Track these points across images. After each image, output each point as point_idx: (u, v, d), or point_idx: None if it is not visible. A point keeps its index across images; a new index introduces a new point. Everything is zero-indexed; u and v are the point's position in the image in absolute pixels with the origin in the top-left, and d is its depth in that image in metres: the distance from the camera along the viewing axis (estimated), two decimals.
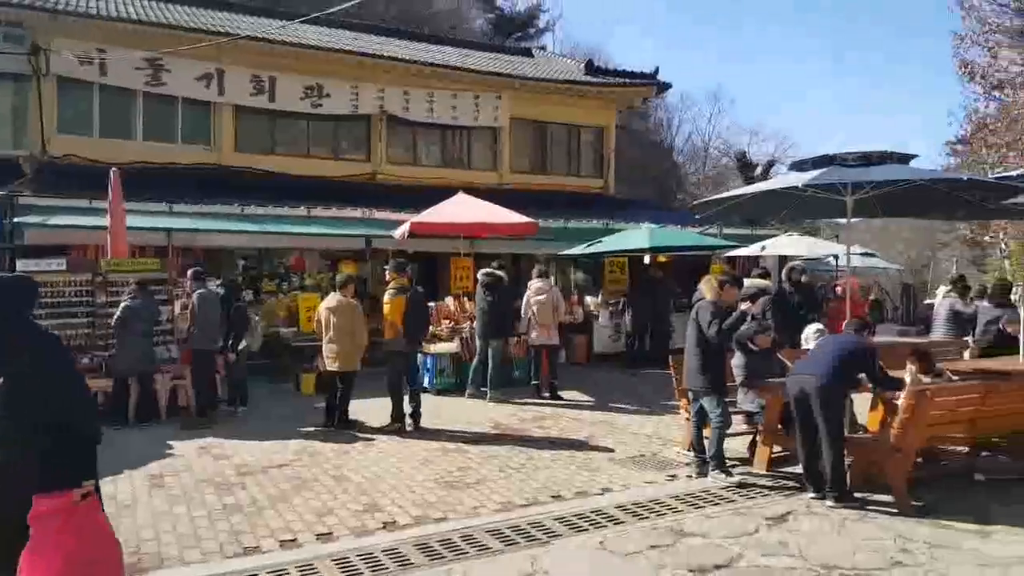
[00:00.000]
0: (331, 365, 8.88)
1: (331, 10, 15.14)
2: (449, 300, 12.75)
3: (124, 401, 9.19)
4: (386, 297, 9.11)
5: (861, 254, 20.60)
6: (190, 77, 15.43)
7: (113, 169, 10.76)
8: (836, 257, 17.61)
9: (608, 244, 14.58)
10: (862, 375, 6.24)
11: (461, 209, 12.14)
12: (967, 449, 7.03)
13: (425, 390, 10.71)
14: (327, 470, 7.06)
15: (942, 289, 11.90)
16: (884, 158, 7.41)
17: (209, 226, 12.77)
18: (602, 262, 16.67)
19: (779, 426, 6.89)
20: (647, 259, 15.13)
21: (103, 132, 15.09)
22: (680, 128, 40.89)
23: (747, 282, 8.81)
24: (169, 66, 15.10)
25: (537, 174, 19.78)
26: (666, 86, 21.81)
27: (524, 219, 12.37)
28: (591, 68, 21.05)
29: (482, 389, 10.73)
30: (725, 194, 8.83)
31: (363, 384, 9.29)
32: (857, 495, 6.04)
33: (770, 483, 6.61)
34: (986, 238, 21.51)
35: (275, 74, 16.17)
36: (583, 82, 20.09)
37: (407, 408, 8.86)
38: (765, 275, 9.97)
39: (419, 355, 10.53)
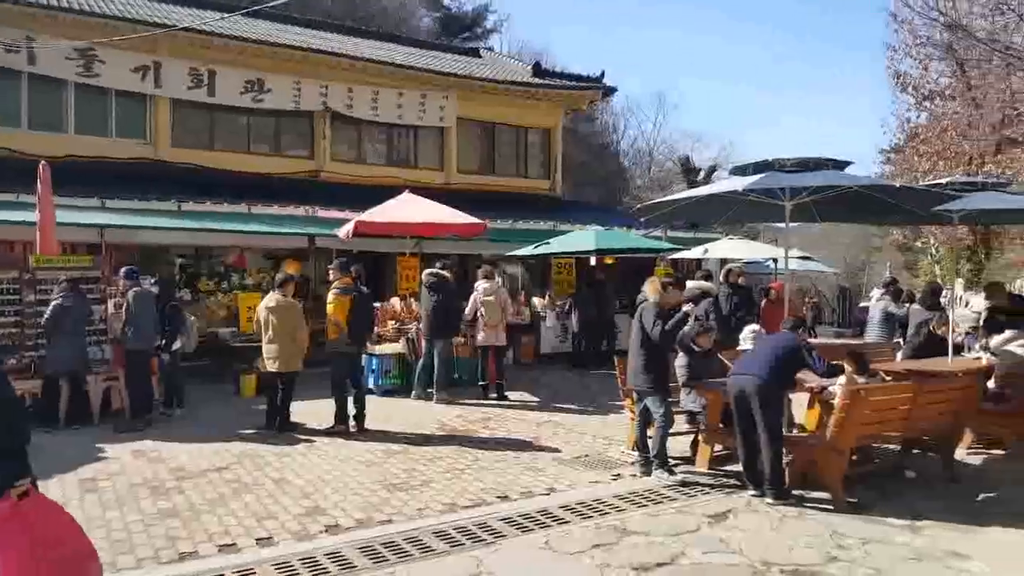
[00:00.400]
0: (271, 366, 8.75)
1: (273, 2, 14.92)
2: (395, 300, 12.67)
3: (55, 403, 8.89)
4: (330, 296, 8.99)
5: (799, 258, 21.13)
6: (125, 69, 15.01)
7: (42, 163, 10.39)
8: (775, 261, 18.03)
9: (555, 245, 14.70)
10: (801, 375, 6.41)
11: (407, 208, 12.07)
12: (899, 447, 7.27)
13: (370, 391, 10.62)
14: (268, 473, 6.95)
15: (876, 292, 12.31)
16: (821, 164, 7.63)
17: (144, 223, 12.41)
18: (549, 263, 16.79)
19: (720, 425, 7.03)
20: (593, 261, 15.28)
21: (32, 124, 14.56)
22: (626, 132, 41.41)
23: (690, 284, 8.99)
24: (103, 57, 14.65)
25: (484, 174, 19.80)
26: (611, 90, 22.06)
27: (471, 219, 12.37)
28: (538, 70, 21.17)
29: (428, 390, 10.69)
30: (669, 197, 8.98)
31: (306, 385, 9.17)
32: (795, 492, 6.20)
33: (712, 481, 6.74)
34: (918, 243, 22.30)
35: (214, 67, 15.83)
36: (530, 84, 20.18)
37: (351, 409, 8.77)
38: (708, 277, 10.17)
39: (364, 356, 10.46)
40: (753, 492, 6.24)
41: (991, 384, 7.96)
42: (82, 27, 14.46)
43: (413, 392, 10.84)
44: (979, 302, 12.94)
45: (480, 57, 23.13)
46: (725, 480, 6.75)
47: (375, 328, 11.02)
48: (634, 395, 7.19)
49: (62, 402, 8.95)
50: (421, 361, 10.93)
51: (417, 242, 13.11)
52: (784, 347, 6.38)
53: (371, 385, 11.04)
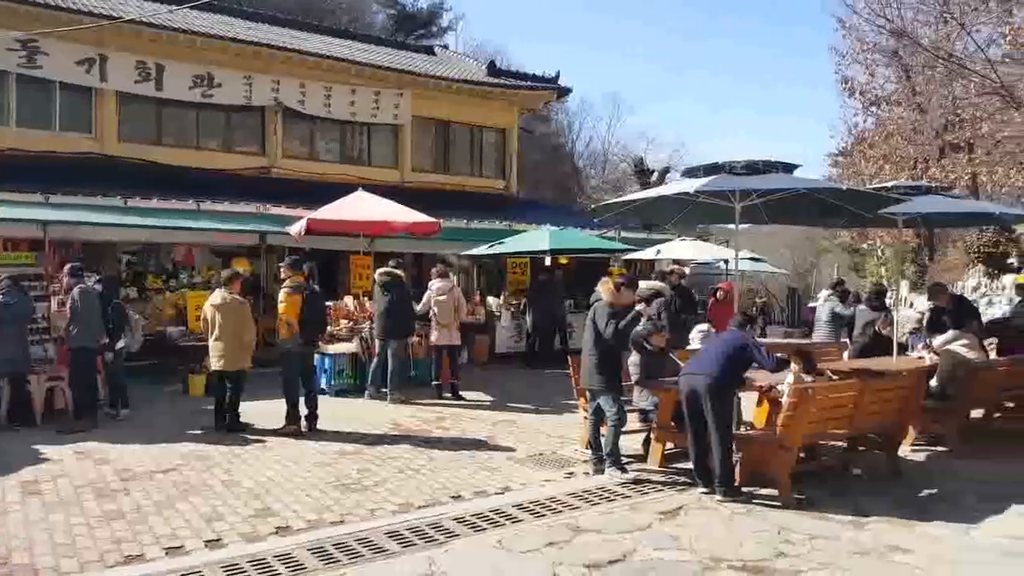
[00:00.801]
0: (216, 364, 8.62)
1: None
2: (348, 299, 12.57)
3: None
4: (281, 295, 8.87)
5: (749, 259, 21.53)
6: (70, 61, 14.59)
7: None
8: (726, 262, 18.33)
9: (510, 245, 14.73)
10: (750, 373, 6.52)
11: (360, 207, 11.98)
12: (845, 445, 7.45)
13: (323, 391, 10.54)
14: (217, 474, 6.84)
15: (823, 293, 12.59)
16: (770, 167, 7.78)
17: (89, 218, 12.09)
18: (504, 263, 16.83)
19: (672, 423, 7.13)
20: (548, 260, 15.35)
21: None
22: (581, 133, 41.65)
23: (643, 284, 9.08)
24: (46, 48, 14.22)
25: (439, 173, 19.75)
26: (566, 91, 22.18)
27: (426, 218, 12.33)
28: (493, 69, 21.19)
29: (382, 390, 10.63)
30: (622, 198, 9.08)
31: (258, 386, 9.06)
32: (745, 489, 6.33)
33: (663, 479, 6.84)
34: (864, 245, 22.88)
35: (163, 61, 15.51)
36: (485, 83, 20.19)
37: (303, 410, 8.68)
38: (663, 278, 10.26)
39: (316, 355, 10.36)
40: (704, 489, 6.34)
41: (933, 383, 8.21)
42: (24, 17, 14.02)
43: (367, 392, 10.77)
44: (923, 303, 13.38)
45: (435, 55, 23.06)
46: (676, 478, 6.84)
47: (328, 327, 10.90)
48: (587, 394, 7.25)
49: (3, 403, 8.71)
50: (375, 361, 10.86)
51: (370, 241, 13.03)
52: (733, 346, 6.49)
53: (324, 385, 10.93)
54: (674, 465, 7.16)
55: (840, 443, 7.49)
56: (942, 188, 10.77)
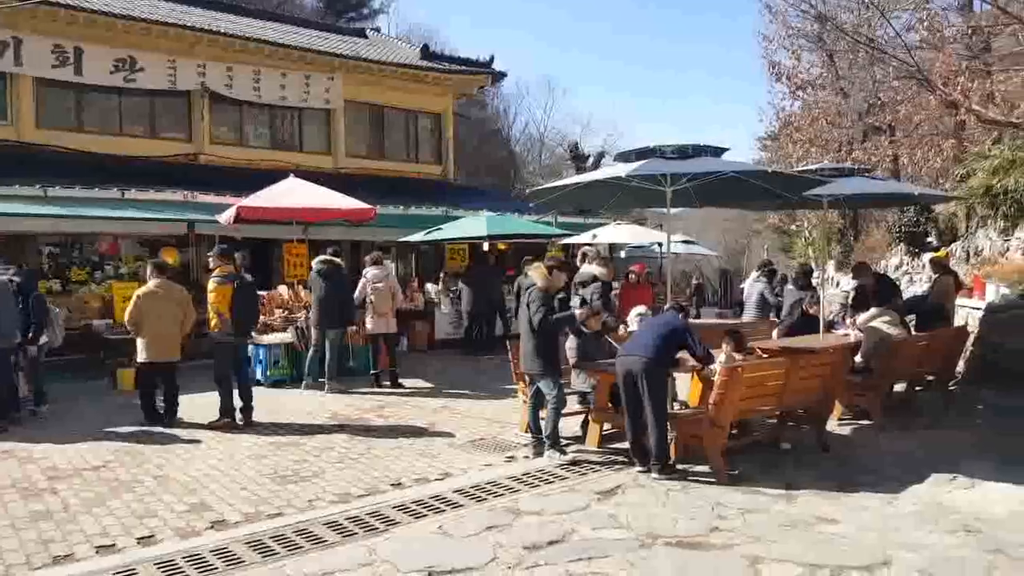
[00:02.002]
0: (148, 355, 8.35)
1: None
2: (283, 288, 12.34)
3: None
4: (211, 285, 8.63)
5: (682, 242, 21.92)
6: None
7: None
8: (660, 245, 18.61)
9: (447, 231, 14.68)
10: (681, 355, 6.67)
11: (293, 193, 11.79)
12: (775, 421, 7.69)
13: (258, 383, 10.38)
14: (149, 470, 6.68)
15: (753, 275, 12.90)
16: (699, 151, 7.90)
17: (7, 209, 11.62)
18: (443, 249, 16.77)
19: (609, 404, 7.24)
20: (486, 246, 15.36)
21: None
22: (517, 118, 41.63)
23: (583, 268, 9.16)
24: None
25: (375, 159, 19.52)
26: (501, 75, 22.14)
27: (361, 204, 12.18)
28: (427, 53, 20.99)
29: (320, 380, 10.50)
30: (557, 183, 9.12)
31: (190, 378, 8.85)
32: (680, 467, 6.48)
33: (601, 459, 6.95)
34: (792, 227, 23.52)
35: (81, 45, 14.92)
36: (419, 67, 19.99)
37: (237, 402, 8.52)
38: (606, 263, 10.25)
39: (250, 346, 10.18)
40: (640, 468, 6.47)
41: (858, 358, 8.51)
42: None
43: (303, 382, 10.61)
44: (848, 282, 13.81)
45: (367, 38, 22.71)
46: (614, 458, 6.96)
47: (261, 317, 10.71)
48: (527, 378, 7.30)
49: None
50: (311, 350, 10.71)
51: (305, 228, 12.82)
52: (667, 327, 6.62)
53: (259, 376, 10.76)
54: (612, 445, 7.28)
55: (770, 419, 7.71)
56: (865, 170, 11.11)
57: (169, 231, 13.53)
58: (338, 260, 10.84)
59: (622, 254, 21.87)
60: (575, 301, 8.40)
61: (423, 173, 20.20)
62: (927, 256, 13.09)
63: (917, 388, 9.48)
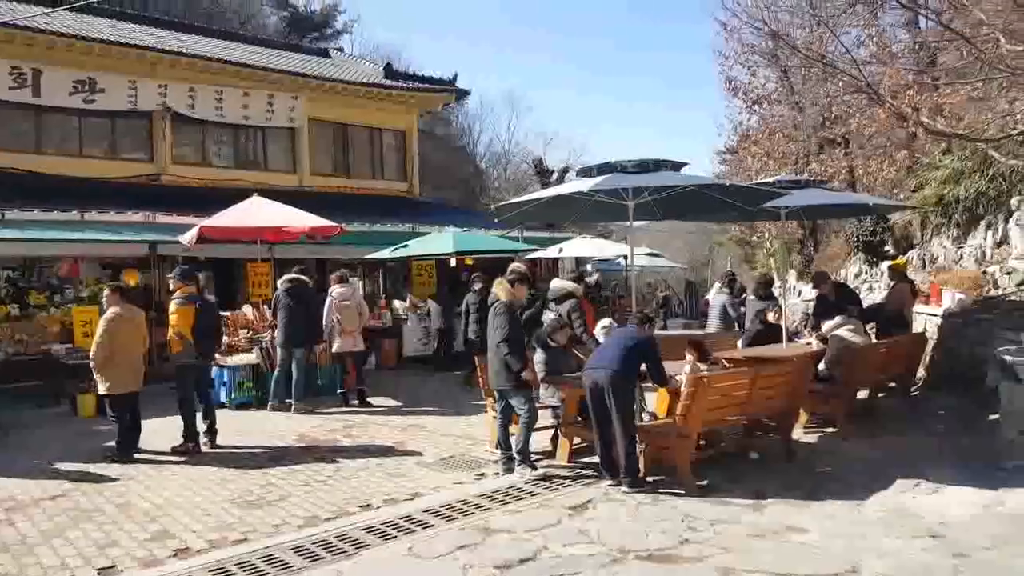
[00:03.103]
0: (116, 387, 7.88)
1: None
2: (247, 308, 12.12)
3: None
4: (172, 307, 8.40)
5: (647, 254, 22.04)
6: None
7: None
8: (625, 258, 18.64)
9: (414, 248, 14.55)
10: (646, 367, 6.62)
11: (257, 212, 11.61)
12: (742, 431, 7.68)
13: (223, 405, 10.15)
14: (110, 498, 6.47)
15: (715, 286, 12.98)
16: (659, 165, 7.91)
17: None
18: (409, 266, 16.65)
19: (579, 418, 7.18)
20: (453, 262, 15.25)
21: None
22: (482, 134, 41.69)
23: (556, 284, 9.07)
24: None
25: (339, 176, 19.37)
26: (464, 92, 22.16)
27: (325, 222, 12.04)
28: (390, 72, 20.94)
29: (286, 401, 10.30)
30: (522, 198, 9.09)
31: (150, 401, 8.60)
32: (649, 479, 6.42)
33: (571, 474, 6.88)
34: (754, 238, 23.75)
35: (39, 66, 14.62)
36: (382, 85, 19.93)
37: (200, 426, 8.30)
38: (579, 279, 10.18)
39: (214, 368, 9.96)
40: (610, 482, 6.40)
41: (821, 366, 8.56)
42: None
43: (270, 404, 10.40)
44: (809, 291, 13.96)
45: (330, 58, 22.61)
46: (584, 472, 6.89)
47: (225, 338, 10.49)
48: (495, 394, 7.22)
49: None
50: (277, 371, 10.51)
51: (269, 247, 12.62)
52: (632, 339, 6.59)
53: (223, 399, 10.52)
54: (582, 460, 7.21)
55: (736, 430, 7.71)
56: (821, 181, 11.24)
57: (131, 252, 13.26)
58: (306, 278, 10.69)
59: (588, 267, 21.93)
60: (548, 316, 8.34)
61: (389, 190, 20.09)
62: (885, 264, 13.27)
63: (880, 395, 9.56)
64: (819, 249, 20.36)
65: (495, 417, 7.40)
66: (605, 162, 8.11)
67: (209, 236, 11.14)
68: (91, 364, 7.90)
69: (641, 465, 6.42)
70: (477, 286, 12.24)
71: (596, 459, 6.68)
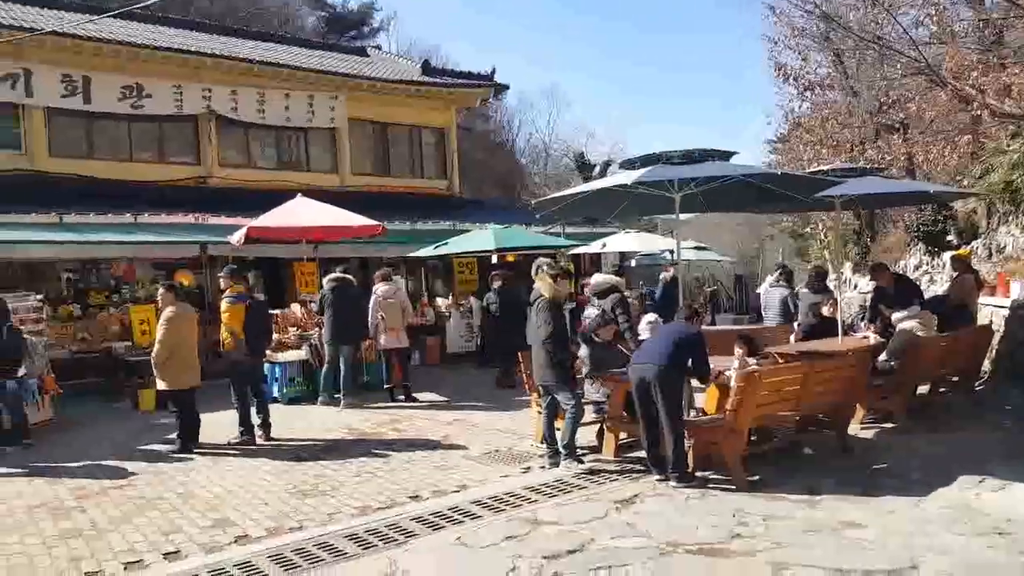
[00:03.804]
0: (186, 381, 8.30)
1: (145, 2, 14.40)
2: (295, 306, 12.51)
3: None
4: (223, 305, 8.80)
5: (694, 248, 21.83)
6: None
7: None
8: (671, 252, 18.54)
9: (455, 245, 14.79)
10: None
11: (301, 213, 11.98)
12: (795, 426, 7.69)
13: (275, 400, 10.55)
14: (172, 488, 6.83)
15: (769, 279, 12.90)
16: (706, 156, 7.91)
17: (24, 236, 11.93)
18: (451, 263, 16.89)
19: (624, 413, 7.29)
20: (494, 259, 15.44)
21: None
22: (521, 129, 41.82)
23: (599, 278, 9.14)
24: None
25: (380, 176, 19.70)
26: (503, 87, 22.30)
27: (369, 221, 12.34)
28: (428, 68, 21.16)
29: (335, 396, 10.63)
30: (563, 193, 9.16)
31: (206, 398, 8.99)
32: (698, 474, 6.51)
33: (618, 468, 6.99)
34: (807, 229, 23.41)
35: (89, 73, 15.20)
36: (420, 82, 20.16)
37: (255, 419, 8.65)
38: (619, 272, 10.27)
39: (266, 364, 10.34)
40: (658, 476, 6.50)
41: (882, 358, 8.49)
42: None
43: (319, 398, 10.76)
44: (866, 283, 13.77)
45: (368, 56, 22.93)
46: (631, 467, 6.99)
47: (275, 335, 10.87)
48: (540, 389, 7.37)
49: None
50: (325, 367, 10.85)
51: (315, 247, 12.98)
52: (680, 334, 6.68)
53: (275, 394, 10.90)
54: (628, 455, 7.32)
55: (790, 425, 7.71)
56: (878, 169, 11.09)
57: (182, 253, 13.76)
58: (350, 276, 11.02)
59: (632, 263, 21.89)
60: (590, 312, 8.44)
61: (429, 188, 20.36)
62: (948, 255, 12.98)
63: (941, 390, 9.44)
64: (876, 240, 20.04)
65: (540, 412, 7.57)
66: (649, 153, 8.13)
67: (256, 236, 11.52)
68: (152, 361, 8.34)
69: (690, 460, 6.51)
70: (497, 284, 12.48)
71: (643, 454, 6.78)
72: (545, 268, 7.76)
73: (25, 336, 9.45)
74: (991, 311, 10.51)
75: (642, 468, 6.80)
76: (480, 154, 32.40)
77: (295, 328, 11.89)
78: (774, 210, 14.15)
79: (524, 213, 19.79)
